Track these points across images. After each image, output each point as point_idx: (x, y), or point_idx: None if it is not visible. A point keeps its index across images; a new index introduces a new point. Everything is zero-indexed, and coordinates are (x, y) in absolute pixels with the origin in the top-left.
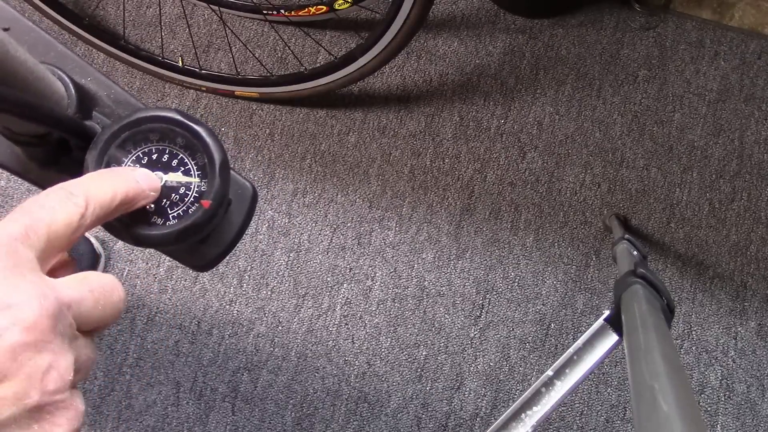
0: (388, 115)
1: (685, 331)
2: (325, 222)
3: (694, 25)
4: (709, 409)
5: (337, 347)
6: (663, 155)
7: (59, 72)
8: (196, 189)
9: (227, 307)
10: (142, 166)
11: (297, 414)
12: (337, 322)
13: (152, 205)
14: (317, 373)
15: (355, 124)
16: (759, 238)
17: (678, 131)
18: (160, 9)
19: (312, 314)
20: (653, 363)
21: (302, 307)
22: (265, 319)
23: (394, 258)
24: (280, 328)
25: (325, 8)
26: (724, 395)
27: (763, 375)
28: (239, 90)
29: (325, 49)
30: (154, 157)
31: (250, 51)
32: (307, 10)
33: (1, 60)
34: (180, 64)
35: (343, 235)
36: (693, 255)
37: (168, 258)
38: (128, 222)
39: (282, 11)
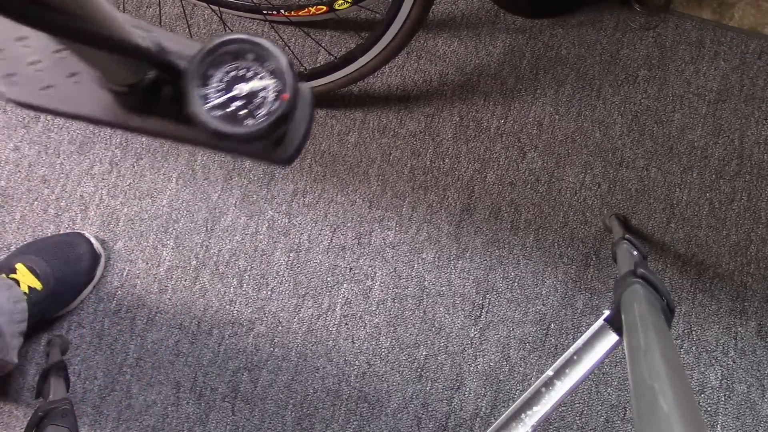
0: (388, 115)
1: (685, 331)
2: (325, 222)
3: (694, 25)
4: (709, 409)
5: (337, 347)
6: (663, 155)
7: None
8: (273, 89)
9: (227, 307)
10: (227, 82)
11: (297, 414)
12: (337, 322)
13: (243, 111)
14: (317, 373)
15: (355, 124)
16: (759, 238)
17: (678, 131)
18: (160, 9)
19: (312, 314)
20: (653, 363)
21: (302, 307)
22: (265, 319)
23: (394, 258)
24: (280, 328)
25: (325, 8)
26: (724, 395)
27: (763, 375)
28: None
29: (325, 49)
30: (234, 73)
31: None
32: (307, 10)
33: (95, 11)
34: None
35: (343, 235)
36: (693, 255)
37: (168, 258)
38: (231, 131)
39: (282, 11)
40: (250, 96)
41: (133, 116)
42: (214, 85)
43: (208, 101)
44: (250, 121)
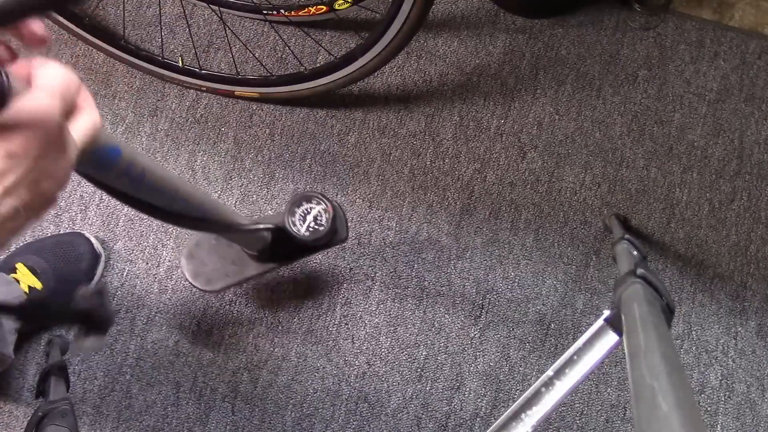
0: (388, 115)
1: (685, 331)
2: None
3: (694, 25)
4: (709, 409)
5: (337, 347)
6: (663, 155)
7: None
8: (323, 209)
9: (227, 307)
10: (300, 217)
11: (297, 414)
12: (337, 322)
13: (314, 226)
14: (317, 373)
15: (355, 124)
16: (759, 238)
17: (678, 131)
18: (160, 9)
19: (312, 314)
20: (653, 363)
21: (302, 307)
22: (265, 319)
23: (394, 258)
24: (280, 328)
25: (325, 8)
26: (724, 395)
27: (763, 375)
28: (239, 90)
29: (325, 49)
30: (303, 210)
31: (250, 51)
32: (307, 10)
33: (239, 226)
34: (180, 64)
35: None
36: (693, 255)
37: (168, 258)
38: (318, 239)
39: (282, 11)
40: (315, 217)
41: (267, 264)
42: (297, 222)
43: (300, 233)
44: (321, 228)
